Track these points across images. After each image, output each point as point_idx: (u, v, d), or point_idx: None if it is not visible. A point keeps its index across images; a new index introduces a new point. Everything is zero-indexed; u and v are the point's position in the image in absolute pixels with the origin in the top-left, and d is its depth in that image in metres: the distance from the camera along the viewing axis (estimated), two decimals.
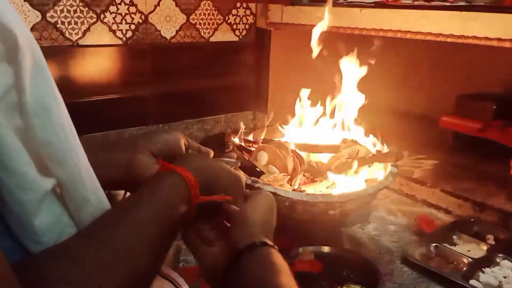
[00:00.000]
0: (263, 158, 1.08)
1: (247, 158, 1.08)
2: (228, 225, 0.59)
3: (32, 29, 1.26)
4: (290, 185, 1.06)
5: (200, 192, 0.53)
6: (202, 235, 0.58)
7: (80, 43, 1.36)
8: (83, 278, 0.39)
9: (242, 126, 1.19)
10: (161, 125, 1.56)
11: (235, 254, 0.51)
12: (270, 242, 0.52)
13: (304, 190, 1.05)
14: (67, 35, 1.33)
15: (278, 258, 0.51)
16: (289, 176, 1.06)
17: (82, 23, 1.35)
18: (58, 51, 1.32)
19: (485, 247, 1.06)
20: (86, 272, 0.40)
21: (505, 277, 0.95)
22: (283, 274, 0.48)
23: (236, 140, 1.12)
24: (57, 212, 0.42)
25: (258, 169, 1.05)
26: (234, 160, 0.68)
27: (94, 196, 0.45)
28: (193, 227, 0.59)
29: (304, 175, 1.14)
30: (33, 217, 0.40)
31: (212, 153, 0.67)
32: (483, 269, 0.97)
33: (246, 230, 0.53)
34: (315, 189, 1.07)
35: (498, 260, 1.00)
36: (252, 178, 1.00)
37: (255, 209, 0.56)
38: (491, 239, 1.09)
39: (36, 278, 0.38)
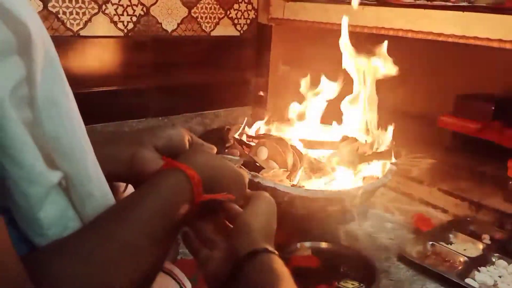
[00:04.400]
0: (263, 153, 1.09)
1: (247, 153, 1.09)
2: (229, 224, 0.59)
3: None
4: (290, 180, 1.07)
5: (203, 190, 0.53)
6: (203, 234, 0.59)
7: (81, 34, 1.35)
8: (89, 273, 0.39)
9: (244, 121, 1.20)
10: (160, 118, 1.56)
11: (237, 262, 0.51)
12: (271, 248, 0.53)
13: (303, 186, 1.06)
14: (68, 25, 1.33)
15: (279, 264, 0.51)
16: (289, 172, 1.06)
17: (84, 13, 1.34)
18: (59, 41, 1.32)
19: (481, 247, 1.07)
20: (92, 268, 0.40)
21: (500, 276, 0.96)
22: (284, 280, 0.49)
23: (237, 136, 1.13)
24: (62, 205, 0.42)
25: (258, 164, 1.06)
26: (237, 158, 0.68)
27: (99, 191, 0.45)
28: (194, 227, 0.59)
29: (303, 171, 1.14)
30: (38, 210, 0.40)
31: (215, 149, 0.67)
32: (478, 268, 0.98)
33: (247, 237, 0.54)
34: (314, 185, 1.08)
35: (494, 260, 1.01)
36: (252, 172, 1.00)
37: (256, 215, 0.56)
38: (487, 239, 1.10)
39: (43, 272, 0.38)
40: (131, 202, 0.48)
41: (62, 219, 0.42)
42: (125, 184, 0.68)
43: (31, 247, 0.41)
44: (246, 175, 0.62)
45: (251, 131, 1.23)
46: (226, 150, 1.02)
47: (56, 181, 0.41)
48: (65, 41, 1.33)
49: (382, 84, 1.29)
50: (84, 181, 0.43)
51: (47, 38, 0.40)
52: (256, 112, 1.78)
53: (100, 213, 0.45)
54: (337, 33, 1.27)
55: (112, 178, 0.60)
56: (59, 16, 1.30)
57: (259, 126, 1.26)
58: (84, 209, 0.44)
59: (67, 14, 1.32)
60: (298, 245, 1.02)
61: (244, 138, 1.17)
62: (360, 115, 1.22)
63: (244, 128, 1.22)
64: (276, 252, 0.53)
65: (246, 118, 1.29)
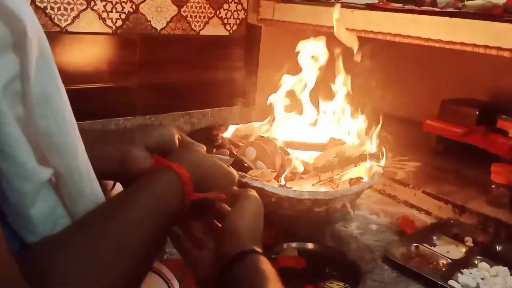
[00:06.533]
0: (251, 154, 1.09)
1: (235, 153, 1.09)
2: (218, 224, 0.59)
3: None
4: (277, 181, 1.07)
5: (193, 189, 0.53)
6: (192, 234, 0.58)
7: (68, 30, 1.34)
8: (81, 270, 0.39)
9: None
10: (147, 117, 1.55)
11: (226, 263, 0.52)
12: (258, 249, 0.53)
13: (291, 187, 1.06)
14: (56, 21, 1.31)
15: (267, 265, 0.52)
16: (277, 173, 1.07)
17: (72, 9, 1.33)
18: (46, 37, 1.29)
19: (463, 249, 1.08)
20: (84, 265, 0.40)
21: (482, 279, 0.97)
22: (272, 281, 0.49)
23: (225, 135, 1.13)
24: (52, 202, 0.42)
25: (246, 164, 1.06)
26: (227, 157, 0.68)
27: (90, 188, 0.45)
28: (183, 226, 0.59)
29: (290, 172, 1.15)
30: (30, 207, 0.40)
31: (205, 148, 0.67)
32: (461, 270, 1.00)
33: (235, 238, 0.54)
34: (301, 186, 1.08)
35: (476, 262, 1.03)
36: (240, 172, 1.00)
37: (243, 216, 0.56)
38: (469, 241, 1.12)
39: (35, 270, 0.38)
40: (122, 201, 0.48)
41: (52, 216, 0.42)
42: (112, 182, 0.68)
43: (21, 244, 0.41)
44: (236, 174, 0.62)
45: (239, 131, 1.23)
46: (215, 150, 1.02)
47: (47, 178, 0.41)
48: (52, 37, 1.31)
49: (368, 87, 1.30)
50: (75, 178, 0.43)
51: (42, 34, 0.39)
52: (244, 112, 1.79)
53: (91, 210, 0.44)
54: (327, 35, 1.27)
55: (101, 176, 0.59)
56: (47, 11, 1.29)
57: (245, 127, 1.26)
58: (75, 207, 0.44)
59: (55, 10, 1.30)
60: (285, 245, 1.02)
61: (232, 137, 1.17)
62: (348, 118, 1.23)
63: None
64: (263, 253, 0.54)
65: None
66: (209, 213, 0.59)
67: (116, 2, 1.40)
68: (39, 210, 0.40)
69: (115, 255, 0.42)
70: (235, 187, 0.61)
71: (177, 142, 0.64)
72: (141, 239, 0.46)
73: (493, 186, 1.24)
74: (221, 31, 1.66)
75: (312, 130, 1.26)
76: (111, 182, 0.69)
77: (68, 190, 0.43)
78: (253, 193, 0.60)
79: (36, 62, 0.38)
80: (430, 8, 1.26)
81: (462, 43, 1.12)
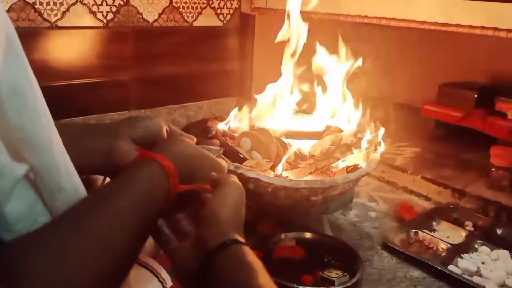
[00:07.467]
0: (246, 144, 1.07)
1: (230, 144, 1.07)
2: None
3: (9, 10, 1.22)
4: (273, 171, 1.06)
5: (179, 180, 0.52)
6: (176, 226, 0.57)
7: (59, 25, 1.32)
8: (59, 268, 0.38)
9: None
10: (143, 111, 1.54)
11: (207, 254, 0.49)
12: (241, 239, 0.51)
13: (287, 176, 1.05)
14: (45, 16, 1.29)
15: (251, 256, 0.49)
16: (272, 162, 1.05)
17: (61, 3, 1.31)
18: (36, 32, 1.29)
19: (463, 234, 1.07)
20: (62, 263, 0.39)
21: (483, 263, 0.96)
22: (260, 274, 0.47)
23: (219, 126, 1.11)
24: (30, 199, 0.41)
25: (241, 155, 1.05)
26: (217, 147, 0.67)
27: (69, 183, 0.44)
28: (168, 218, 0.57)
29: (286, 161, 1.13)
30: (4, 204, 0.39)
31: (195, 140, 0.66)
32: (461, 254, 0.99)
33: (216, 228, 0.51)
34: (297, 176, 1.07)
35: (477, 246, 1.02)
36: (235, 164, 0.99)
37: (224, 205, 0.53)
38: (469, 226, 1.11)
39: (10, 268, 0.36)
40: (104, 195, 0.47)
41: (30, 213, 0.40)
42: (102, 177, 0.67)
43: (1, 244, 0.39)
44: (225, 164, 0.61)
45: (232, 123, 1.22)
46: (207, 141, 1.01)
47: (22, 174, 0.39)
48: (42, 33, 1.30)
49: (364, 73, 1.28)
50: (53, 173, 0.42)
51: (10, 27, 0.38)
52: (240, 103, 1.77)
53: (72, 206, 0.43)
54: (320, 22, 1.26)
55: (89, 171, 0.59)
56: (36, 6, 1.27)
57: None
58: (54, 203, 0.42)
59: (44, 5, 1.28)
60: (282, 235, 1.01)
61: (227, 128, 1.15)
62: (342, 104, 1.21)
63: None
64: (247, 242, 0.51)
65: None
66: (195, 204, 0.57)
67: None
68: (15, 208, 0.39)
69: (94, 251, 0.41)
70: (214, 173, 0.58)
71: (165, 133, 0.63)
72: (124, 233, 0.44)
73: (492, 169, 1.23)
74: (215, 22, 1.64)
75: (308, 119, 1.24)
76: (100, 177, 0.68)
77: (45, 186, 0.41)
78: (234, 179, 0.57)
79: (4, 56, 0.37)
80: None
81: (458, 25, 1.10)
